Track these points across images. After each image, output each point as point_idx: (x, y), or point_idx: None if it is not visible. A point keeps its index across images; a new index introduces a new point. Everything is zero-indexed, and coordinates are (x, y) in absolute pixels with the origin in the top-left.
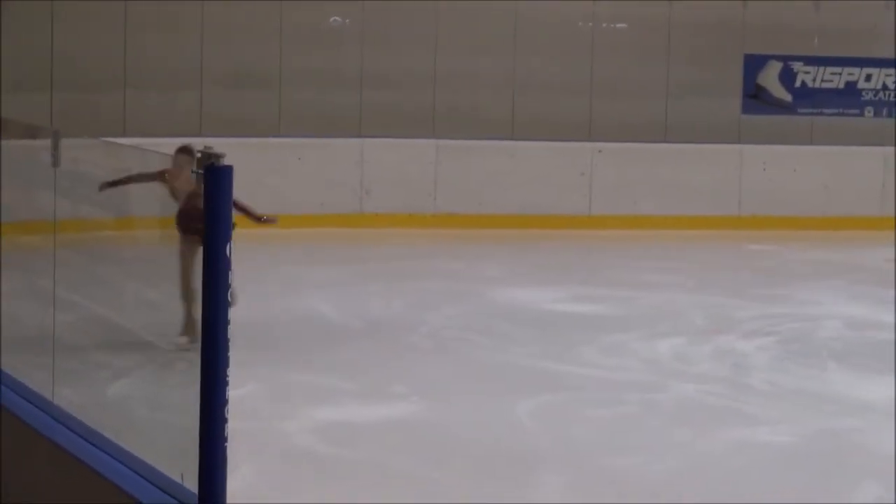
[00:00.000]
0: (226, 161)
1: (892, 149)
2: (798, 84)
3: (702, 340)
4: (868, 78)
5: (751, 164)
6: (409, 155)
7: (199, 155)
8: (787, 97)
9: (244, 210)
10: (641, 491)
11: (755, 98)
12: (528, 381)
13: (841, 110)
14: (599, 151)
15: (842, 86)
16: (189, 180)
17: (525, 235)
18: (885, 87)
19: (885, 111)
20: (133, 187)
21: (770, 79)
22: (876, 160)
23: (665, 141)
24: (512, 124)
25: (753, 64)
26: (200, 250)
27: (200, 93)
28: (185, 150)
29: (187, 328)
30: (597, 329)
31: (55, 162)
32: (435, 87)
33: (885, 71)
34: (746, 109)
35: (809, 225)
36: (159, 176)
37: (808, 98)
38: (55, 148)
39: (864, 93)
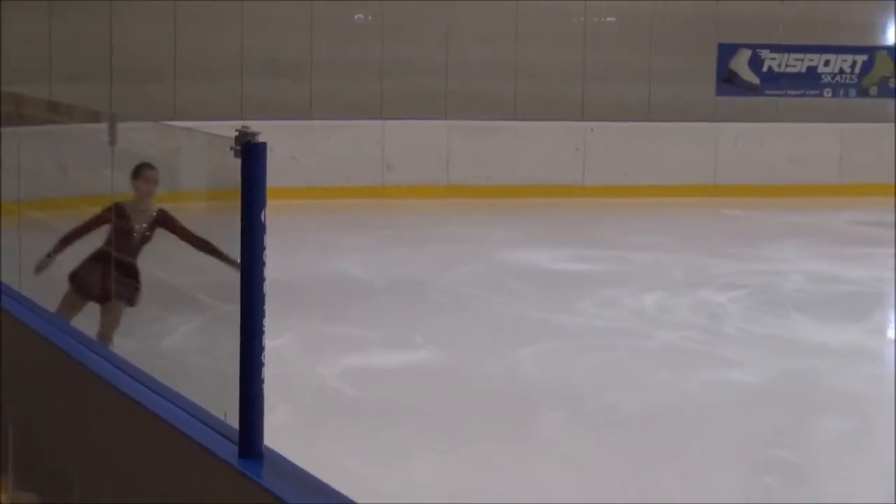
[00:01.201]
0: (261, 139)
1: (849, 125)
2: (765, 69)
3: (682, 294)
4: (827, 63)
5: (724, 140)
6: (424, 135)
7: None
8: (756, 81)
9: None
10: (630, 424)
11: (728, 82)
12: (531, 331)
13: (803, 92)
14: (592, 130)
15: (804, 70)
16: (151, 209)
17: (528, 204)
18: (842, 71)
19: (841, 92)
20: None
21: (741, 65)
22: (834, 135)
23: (649, 120)
24: (515, 107)
25: (726, 52)
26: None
27: (241, 81)
28: (151, 166)
29: None
30: (592, 285)
31: (112, 141)
32: (447, 75)
33: (842, 57)
34: (720, 92)
35: (776, 192)
36: (103, 217)
37: (774, 81)
38: (112, 129)
39: (823, 76)
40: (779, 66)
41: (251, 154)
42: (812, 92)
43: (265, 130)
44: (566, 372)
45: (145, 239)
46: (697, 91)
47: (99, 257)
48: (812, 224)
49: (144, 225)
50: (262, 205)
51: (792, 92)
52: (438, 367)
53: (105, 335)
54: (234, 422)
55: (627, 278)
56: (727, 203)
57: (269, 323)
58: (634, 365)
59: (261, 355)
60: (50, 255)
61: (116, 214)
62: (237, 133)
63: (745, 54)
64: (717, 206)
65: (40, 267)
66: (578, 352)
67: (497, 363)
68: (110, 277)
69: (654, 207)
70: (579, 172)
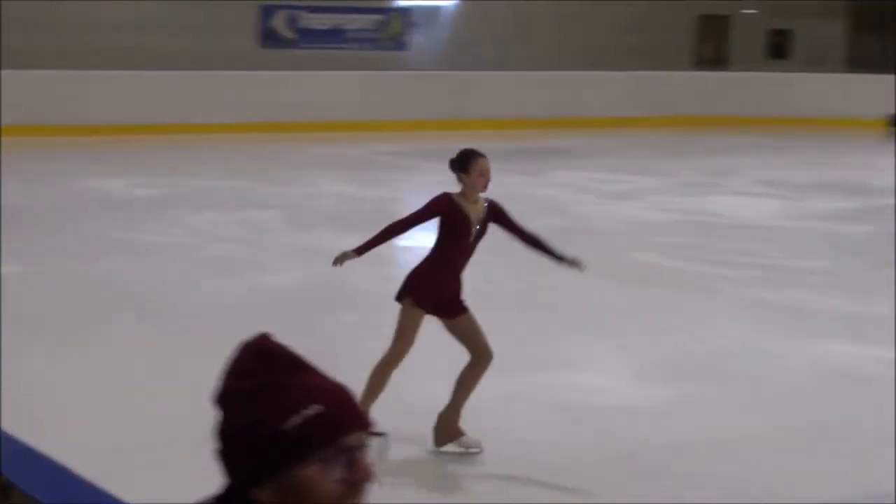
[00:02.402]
0: None
1: (370, 72)
2: (301, 26)
3: (232, 213)
4: (352, 22)
5: (271, 85)
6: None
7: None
8: (293, 36)
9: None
10: (191, 323)
11: (270, 38)
12: (107, 246)
13: (333, 45)
14: (159, 77)
15: (333, 28)
16: (481, 201)
17: (111, 140)
18: (364, 29)
19: (364, 46)
20: None
21: (280, 23)
22: (355, 81)
23: (203, 69)
24: (104, 58)
25: (267, 11)
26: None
27: None
28: (482, 154)
29: (448, 430)
30: (158, 207)
31: None
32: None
33: (364, 16)
34: (263, 45)
35: (312, 128)
36: (436, 207)
37: (308, 37)
38: None
39: (349, 33)
40: (312, 24)
41: None
42: (340, 45)
43: None
44: (137, 280)
45: (479, 237)
46: (244, 44)
47: (441, 262)
48: (341, 154)
49: (478, 221)
50: None
51: (324, 45)
52: (28, 278)
53: (482, 352)
54: None
55: (187, 201)
56: (273, 138)
57: None
58: (194, 273)
59: None
60: (358, 252)
61: (450, 208)
62: None
63: (283, 14)
64: (264, 140)
65: (340, 260)
66: (147, 263)
67: (77, 275)
68: (458, 286)
69: (211, 142)
70: (152, 113)
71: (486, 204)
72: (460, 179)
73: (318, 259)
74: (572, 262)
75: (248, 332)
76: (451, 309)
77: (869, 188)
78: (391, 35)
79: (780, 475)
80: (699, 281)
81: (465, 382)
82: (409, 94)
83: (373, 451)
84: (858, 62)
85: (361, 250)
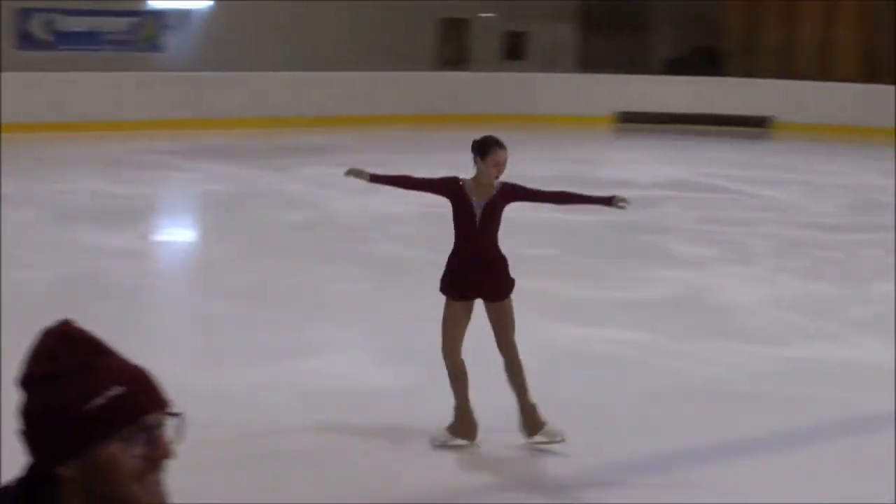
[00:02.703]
0: None
1: (124, 73)
2: (58, 29)
3: (50, 222)
4: (108, 25)
5: (28, 86)
6: None
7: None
8: (50, 38)
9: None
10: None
11: (26, 40)
12: None
13: (90, 47)
14: None
15: (90, 30)
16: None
17: None
18: (120, 32)
19: (120, 48)
20: None
21: (36, 26)
22: (111, 82)
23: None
24: None
25: (24, 14)
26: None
27: None
28: (501, 144)
29: (529, 422)
30: None
31: None
32: None
33: (119, 19)
34: (20, 47)
35: (68, 129)
36: (445, 185)
37: (66, 39)
38: None
39: (105, 35)
40: (68, 26)
41: None
42: (97, 47)
43: None
44: None
45: (489, 220)
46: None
47: (455, 249)
48: (97, 153)
49: (484, 204)
50: None
51: (80, 47)
52: None
53: (504, 345)
54: None
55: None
56: (30, 137)
57: None
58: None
59: None
60: (371, 179)
61: (455, 190)
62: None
63: (40, 17)
64: (21, 140)
65: (353, 174)
66: None
67: None
68: (480, 272)
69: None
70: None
71: (496, 187)
72: (476, 164)
73: (76, 254)
74: (617, 200)
75: (9, 327)
76: (484, 294)
77: (597, 180)
78: (146, 37)
79: (513, 450)
80: (439, 270)
81: (513, 377)
82: (164, 94)
83: (171, 429)
84: (589, 63)
85: (373, 179)
